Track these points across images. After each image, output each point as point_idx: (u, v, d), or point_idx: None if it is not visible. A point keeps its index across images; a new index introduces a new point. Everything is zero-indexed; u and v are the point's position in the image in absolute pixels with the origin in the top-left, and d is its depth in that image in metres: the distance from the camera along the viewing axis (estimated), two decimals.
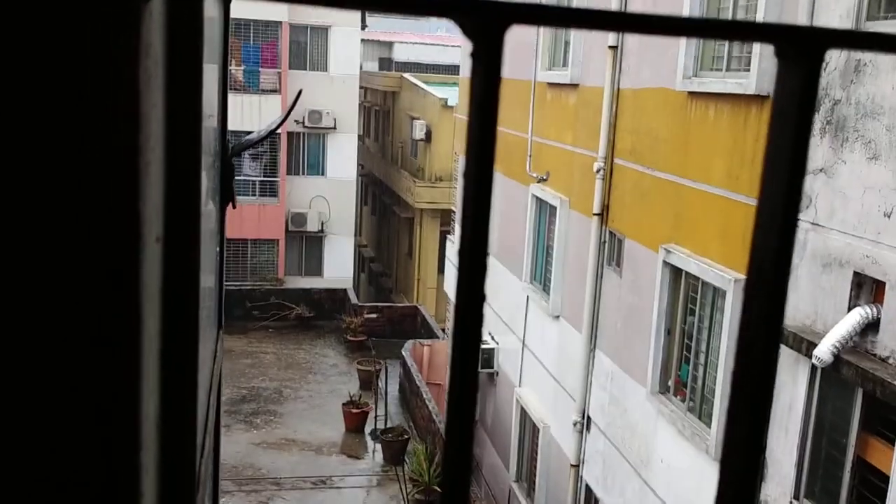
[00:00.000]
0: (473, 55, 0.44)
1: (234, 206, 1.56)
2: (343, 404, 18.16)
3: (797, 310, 6.80)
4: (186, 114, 0.61)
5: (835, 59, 6.54)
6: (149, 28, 0.45)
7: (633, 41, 10.05)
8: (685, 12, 8.62)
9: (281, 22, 25.37)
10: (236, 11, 27.27)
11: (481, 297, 0.48)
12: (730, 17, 8.14)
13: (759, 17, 7.41)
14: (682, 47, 8.68)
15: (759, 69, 7.39)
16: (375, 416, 17.73)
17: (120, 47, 0.40)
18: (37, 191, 0.43)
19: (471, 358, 0.50)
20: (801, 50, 0.46)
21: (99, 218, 0.41)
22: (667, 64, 9.03)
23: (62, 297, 0.44)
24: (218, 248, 1.51)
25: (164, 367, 0.59)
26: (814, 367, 6.45)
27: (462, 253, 0.45)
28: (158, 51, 0.51)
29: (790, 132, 0.46)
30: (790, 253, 0.47)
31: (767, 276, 0.48)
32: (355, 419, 17.89)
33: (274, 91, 25.58)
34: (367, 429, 17.95)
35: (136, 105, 0.41)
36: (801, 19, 6.85)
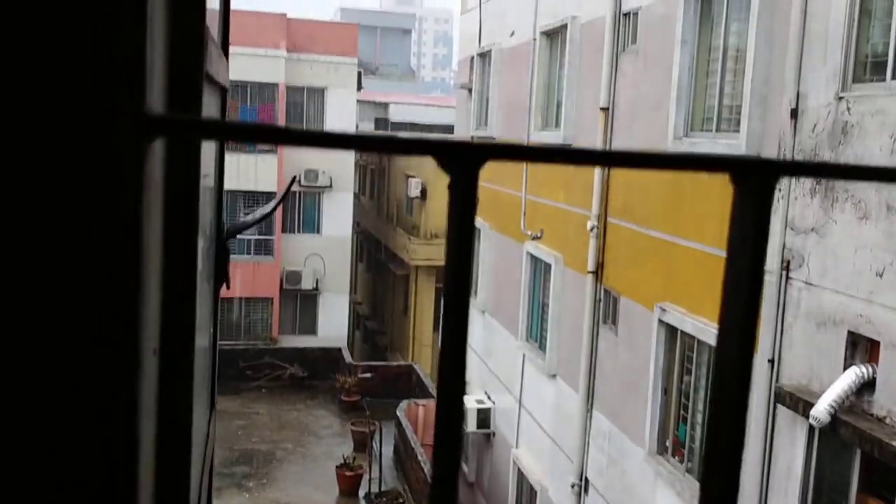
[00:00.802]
0: (450, 187, 0.48)
1: (227, 287, 1.59)
2: (337, 467, 17.91)
3: (793, 369, 6.80)
4: (183, 237, 0.64)
5: (822, 119, 6.67)
6: (152, 164, 0.49)
7: (624, 102, 10.23)
8: (673, 84, 8.80)
9: (278, 84, 25.76)
10: (234, 73, 27.51)
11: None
12: (717, 84, 8.31)
13: (747, 82, 7.57)
14: (673, 108, 8.84)
15: (748, 130, 7.52)
16: (370, 479, 17.47)
17: (123, 185, 0.43)
18: (40, 313, 0.46)
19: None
20: (754, 179, 0.50)
21: (97, 337, 0.44)
22: (658, 125, 9.18)
23: (60, 414, 0.46)
24: (212, 330, 1.53)
25: (159, 473, 0.61)
26: (811, 428, 6.43)
27: (441, 372, 0.48)
28: (159, 181, 0.54)
29: (747, 257, 0.50)
30: (748, 380, 0.50)
31: (730, 395, 0.50)
32: (349, 482, 17.63)
33: (270, 151, 25.83)
34: (362, 492, 17.67)
35: (138, 237, 0.44)
36: (789, 84, 6.99)
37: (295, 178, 3.20)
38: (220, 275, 1.53)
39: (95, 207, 0.43)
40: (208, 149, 1.32)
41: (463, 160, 0.46)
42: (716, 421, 0.52)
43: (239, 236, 26.16)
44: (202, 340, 1.19)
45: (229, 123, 0.44)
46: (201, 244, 1.26)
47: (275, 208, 2.40)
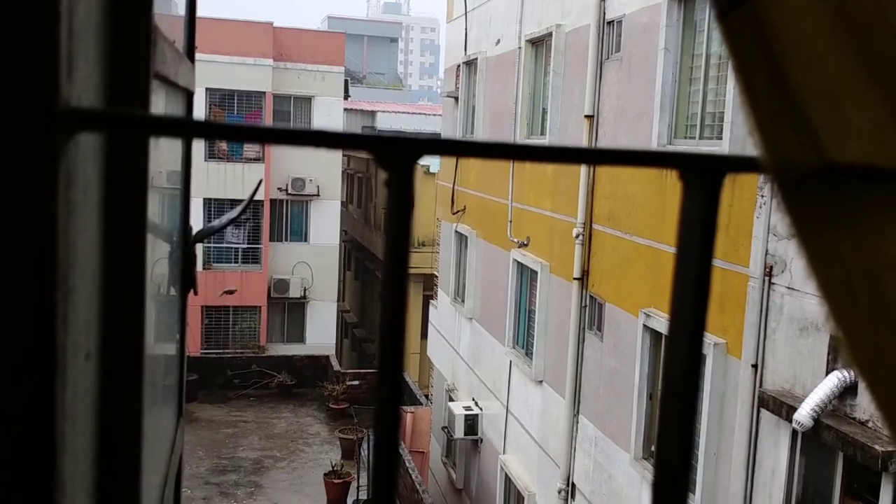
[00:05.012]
0: (387, 184, 0.47)
1: (195, 293, 1.58)
2: (325, 474, 17.84)
3: (776, 374, 6.81)
4: (128, 238, 0.62)
5: None
6: (76, 159, 0.47)
7: (608, 109, 10.26)
8: (657, 91, 8.83)
9: (265, 92, 25.72)
10: (220, 82, 27.36)
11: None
12: (700, 92, 8.35)
13: (730, 89, 7.60)
14: (656, 115, 8.87)
15: (731, 137, 7.55)
16: (358, 487, 17.42)
17: (30, 181, 0.41)
18: None
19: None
20: (702, 175, 0.49)
21: (8, 348, 0.42)
22: (642, 132, 9.21)
23: None
24: (179, 336, 1.51)
25: (101, 482, 0.59)
26: (795, 432, 6.44)
27: (380, 380, 0.46)
28: (91, 178, 0.52)
29: (694, 251, 0.49)
30: (697, 374, 0.49)
31: (679, 391, 0.49)
32: (337, 490, 17.56)
33: (257, 160, 25.78)
34: (350, 499, 17.60)
35: (52, 235, 0.42)
36: None
37: (260, 181, 3.20)
38: (187, 280, 1.51)
39: None
40: (171, 151, 1.30)
41: (398, 155, 0.45)
42: (665, 418, 0.51)
43: (227, 245, 26.10)
44: (165, 346, 1.17)
45: (155, 117, 0.43)
46: (166, 249, 1.24)
47: (241, 213, 2.39)
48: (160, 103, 0.97)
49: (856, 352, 0.48)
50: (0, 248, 0.41)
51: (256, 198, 25.29)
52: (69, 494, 0.49)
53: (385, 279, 0.47)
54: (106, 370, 0.59)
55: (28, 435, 0.42)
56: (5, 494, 0.42)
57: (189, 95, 1.47)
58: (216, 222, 2.56)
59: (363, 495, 17.23)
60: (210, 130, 0.43)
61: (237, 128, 0.43)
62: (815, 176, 0.47)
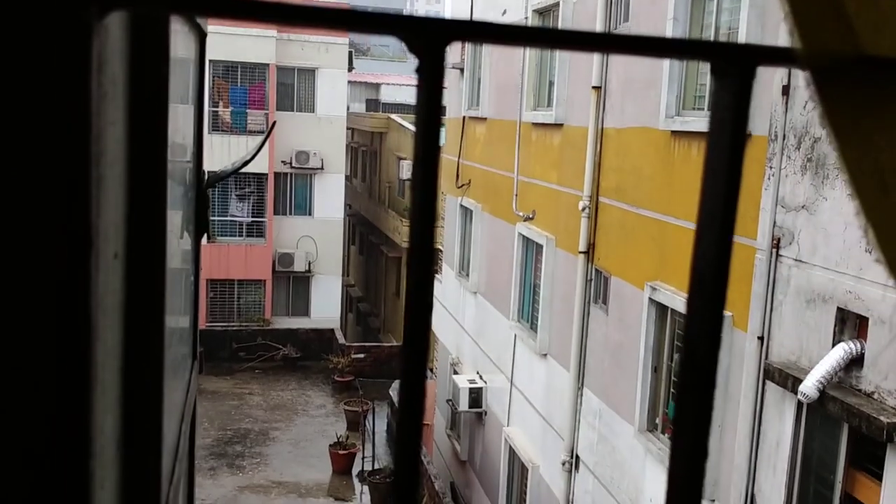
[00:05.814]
0: (418, 70, 0.46)
1: (209, 239, 1.57)
2: (330, 445, 17.97)
3: (782, 346, 6.82)
4: (150, 133, 0.62)
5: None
6: (104, 46, 0.46)
7: (615, 82, 10.19)
8: (665, 62, 8.76)
9: (268, 64, 25.60)
10: (224, 54, 27.21)
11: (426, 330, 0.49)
12: (712, 35, 8.28)
13: (742, 33, 7.54)
14: (665, 86, 8.81)
15: None
16: (363, 458, 17.55)
17: (68, 64, 0.41)
18: None
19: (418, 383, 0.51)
20: (734, 66, 0.48)
21: (46, 227, 0.42)
22: (649, 103, 9.15)
23: (8, 304, 0.44)
24: (193, 278, 1.51)
25: (127, 380, 0.59)
26: (800, 404, 6.46)
27: (411, 263, 0.46)
28: (118, 70, 0.52)
29: (726, 146, 0.48)
30: (727, 265, 0.49)
31: (707, 288, 0.49)
32: (342, 461, 17.70)
33: (261, 132, 25.70)
34: (355, 470, 17.75)
35: (87, 119, 0.42)
36: (783, 41, 6.97)
37: (275, 123, 3.20)
38: (201, 224, 1.51)
39: (34, 85, 0.41)
40: (184, 114, 1.30)
41: (431, 36, 0.44)
42: (690, 343, 0.51)
43: (231, 218, 26.10)
44: (182, 283, 1.17)
45: None
46: (180, 190, 1.24)
47: (253, 157, 2.38)
48: (178, 41, 0.97)
49: (885, 245, 0.48)
50: (38, 122, 0.41)
51: (260, 171, 25.25)
52: (101, 381, 0.49)
53: (416, 170, 0.47)
54: (132, 270, 0.59)
55: (65, 314, 0.42)
56: (47, 366, 0.43)
57: (203, 37, 1.46)
58: (228, 165, 2.57)
59: (368, 466, 17.37)
60: (242, 6, 0.42)
61: (267, 4, 0.43)
62: (849, 66, 0.46)
